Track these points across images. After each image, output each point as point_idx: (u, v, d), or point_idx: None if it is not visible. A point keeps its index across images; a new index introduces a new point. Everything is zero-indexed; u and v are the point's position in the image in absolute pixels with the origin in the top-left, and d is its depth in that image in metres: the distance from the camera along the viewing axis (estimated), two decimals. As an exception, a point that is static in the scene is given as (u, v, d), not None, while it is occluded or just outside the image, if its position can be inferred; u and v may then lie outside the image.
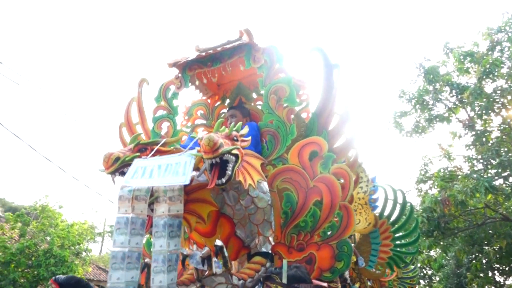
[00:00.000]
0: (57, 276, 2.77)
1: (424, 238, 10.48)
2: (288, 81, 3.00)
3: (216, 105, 3.75)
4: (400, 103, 12.60)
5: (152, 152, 2.32)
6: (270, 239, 2.79)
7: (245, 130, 2.56)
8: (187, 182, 2.02)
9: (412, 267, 7.17)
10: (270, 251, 2.70)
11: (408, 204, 5.24)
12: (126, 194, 2.00)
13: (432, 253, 13.72)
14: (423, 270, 14.81)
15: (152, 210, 2.04)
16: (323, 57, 3.03)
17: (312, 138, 2.83)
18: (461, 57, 11.42)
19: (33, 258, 10.82)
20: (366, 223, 4.69)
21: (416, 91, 12.06)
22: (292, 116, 2.98)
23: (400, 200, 5.18)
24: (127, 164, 2.26)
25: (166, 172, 2.10)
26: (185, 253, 2.11)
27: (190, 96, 3.90)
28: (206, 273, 2.10)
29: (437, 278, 14.75)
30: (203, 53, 3.25)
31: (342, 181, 2.74)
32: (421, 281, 14.80)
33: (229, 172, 2.20)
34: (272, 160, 2.86)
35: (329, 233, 2.59)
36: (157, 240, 1.95)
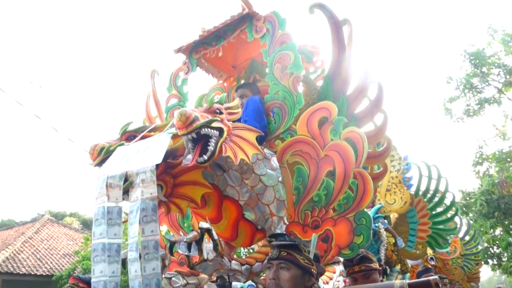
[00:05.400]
0: (79, 275, 2.78)
1: (485, 220, 9.88)
2: (292, 47, 2.72)
3: (232, 86, 3.57)
4: (448, 89, 12.37)
5: (137, 138, 2.21)
6: (285, 219, 2.55)
7: (235, 102, 2.35)
8: (159, 162, 1.87)
9: (474, 243, 6.68)
10: (284, 232, 2.47)
11: (443, 179, 4.84)
12: (101, 183, 1.90)
13: (497, 232, 12.60)
14: (491, 249, 13.51)
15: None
16: (326, 14, 2.72)
17: (319, 104, 2.54)
18: (507, 39, 11.04)
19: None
20: (402, 202, 4.45)
21: (463, 76, 11.53)
22: (302, 83, 2.71)
23: (434, 176, 4.79)
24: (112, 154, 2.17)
25: (143, 155, 1.98)
26: (172, 239, 1.96)
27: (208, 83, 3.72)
28: (198, 259, 1.93)
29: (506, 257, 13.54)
30: (205, 33, 3.10)
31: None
32: (489, 261, 13.46)
33: (211, 148, 2.01)
34: (280, 133, 2.61)
35: (345, 205, 2.28)
36: (131, 227, 1.82)
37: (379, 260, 4.39)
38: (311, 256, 1.83)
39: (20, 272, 14.74)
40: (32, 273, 15.02)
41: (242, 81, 3.51)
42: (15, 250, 16.13)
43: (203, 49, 3.18)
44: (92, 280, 1.76)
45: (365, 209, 2.25)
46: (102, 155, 2.16)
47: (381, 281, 2.72)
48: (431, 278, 2.63)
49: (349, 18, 2.74)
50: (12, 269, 14.59)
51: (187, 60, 3.26)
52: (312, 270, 1.82)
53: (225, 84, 3.62)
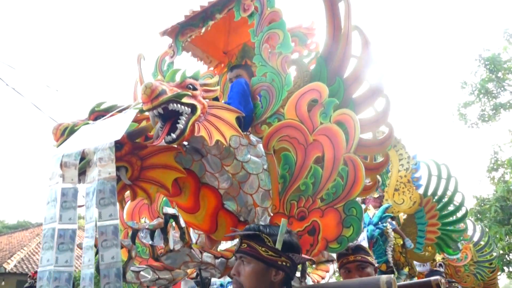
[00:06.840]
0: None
1: (500, 226, 9.68)
2: (281, 25, 2.51)
3: (223, 73, 3.36)
4: (462, 94, 12.22)
5: (105, 117, 2.01)
6: (269, 210, 2.33)
7: (214, 79, 2.15)
8: (118, 138, 1.66)
9: (489, 250, 6.40)
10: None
11: (453, 178, 4.61)
12: (56, 162, 1.70)
13: (512, 239, 12.29)
14: (506, 256, 13.16)
15: None
16: (320, -9, 2.50)
17: (309, 85, 2.32)
18: None
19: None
20: (411, 202, 4.25)
21: (478, 82, 11.36)
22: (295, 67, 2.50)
23: (444, 175, 4.56)
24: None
25: (104, 132, 1.77)
26: (135, 227, 1.75)
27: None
28: (163, 250, 1.72)
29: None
30: (191, 14, 2.91)
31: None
32: (505, 268, 13.16)
33: (180, 126, 1.81)
34: (267, 118, 2.40)
35: (333, 194, 2.05)
36: (88, 211, 1.61)
37: (387, 261, 4.18)
38: (278, 246, 1.57)
39: (35, 273, 14.71)
40: (47, 274, 15.02)
41: (233, 67, 3.31)
42: (30, 251, 16.18)
43: (190, 31, 2.98)
44: (38, 270, 1.56)
45: (356, 199, 2.02)
46: (65, 135, 1.96)
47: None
48: (432, 278, 2.39)
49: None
50: (27, 270, 14.60)
51: (172, 44, 3.06)
52: (280, 262, 1.57)
53: (216, 72, 3.42)
